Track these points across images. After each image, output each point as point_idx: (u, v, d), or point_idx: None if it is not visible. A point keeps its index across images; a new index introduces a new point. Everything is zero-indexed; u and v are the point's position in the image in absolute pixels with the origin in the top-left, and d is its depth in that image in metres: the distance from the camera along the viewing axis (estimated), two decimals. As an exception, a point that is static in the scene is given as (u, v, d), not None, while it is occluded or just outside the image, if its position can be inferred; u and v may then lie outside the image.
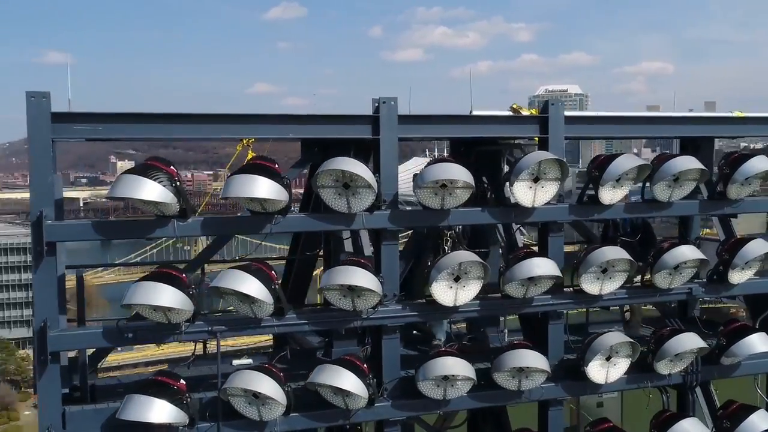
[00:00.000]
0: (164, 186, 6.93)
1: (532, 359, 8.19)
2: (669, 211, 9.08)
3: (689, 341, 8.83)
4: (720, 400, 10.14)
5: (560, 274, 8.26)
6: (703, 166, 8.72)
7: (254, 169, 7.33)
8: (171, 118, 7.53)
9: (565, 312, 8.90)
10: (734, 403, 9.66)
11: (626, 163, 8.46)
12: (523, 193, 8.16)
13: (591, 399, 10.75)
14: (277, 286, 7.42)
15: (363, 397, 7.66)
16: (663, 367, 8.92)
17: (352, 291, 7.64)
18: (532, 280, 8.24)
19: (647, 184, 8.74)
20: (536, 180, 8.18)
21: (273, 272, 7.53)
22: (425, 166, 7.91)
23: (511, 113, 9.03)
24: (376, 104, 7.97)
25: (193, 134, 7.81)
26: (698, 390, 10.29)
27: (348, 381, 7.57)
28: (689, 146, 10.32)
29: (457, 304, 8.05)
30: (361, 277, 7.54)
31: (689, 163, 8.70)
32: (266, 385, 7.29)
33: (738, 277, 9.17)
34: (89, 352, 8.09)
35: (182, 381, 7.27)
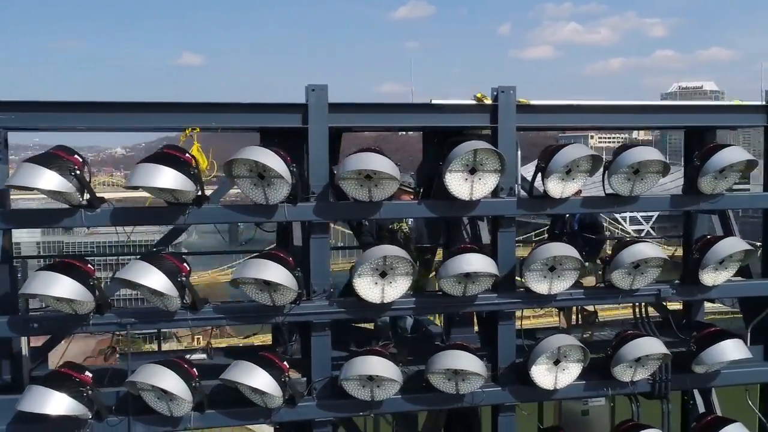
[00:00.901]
0: (64, 175, 6.82)
1: (465, 361, 7.70)
2: (634, 206, 8.39)
3: (648, 346, 8.13)
4: (730, 411, 9.39)
5: (496, 272, 7.73)
6: (663, 158, 8.00)
7: (162, 158, 7.15)
8: (89, 107, 7.45)
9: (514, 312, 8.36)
10: (710, 415, 8.90)
11: (574, 152, 7.85)
12: (458, 185, 7.68)
13: (576, 406, 10.08)
14: (184, 279, 7.22)
15: (277, 396, 7.38)
16: (622, 373, 8.25)
17: (269, 285, 7.37)
18: (470, 277, 7.75)
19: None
20: (473, 171, 7.68)
21: (184, 264, 7.34)
22: (347, 157, 7.56)
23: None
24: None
25: (117, 124, 7.68)
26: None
27: (260, 379, 7.30)
28: (694, 138, 9.58)
29: (385, 301, 7.65)
30: (272, 272, 7.25)
31: (648, 153, 7.99)
32: (169, 381, 7.10)
33: (711, 278, 8.38)
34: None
35: (87, 373, 7.17)
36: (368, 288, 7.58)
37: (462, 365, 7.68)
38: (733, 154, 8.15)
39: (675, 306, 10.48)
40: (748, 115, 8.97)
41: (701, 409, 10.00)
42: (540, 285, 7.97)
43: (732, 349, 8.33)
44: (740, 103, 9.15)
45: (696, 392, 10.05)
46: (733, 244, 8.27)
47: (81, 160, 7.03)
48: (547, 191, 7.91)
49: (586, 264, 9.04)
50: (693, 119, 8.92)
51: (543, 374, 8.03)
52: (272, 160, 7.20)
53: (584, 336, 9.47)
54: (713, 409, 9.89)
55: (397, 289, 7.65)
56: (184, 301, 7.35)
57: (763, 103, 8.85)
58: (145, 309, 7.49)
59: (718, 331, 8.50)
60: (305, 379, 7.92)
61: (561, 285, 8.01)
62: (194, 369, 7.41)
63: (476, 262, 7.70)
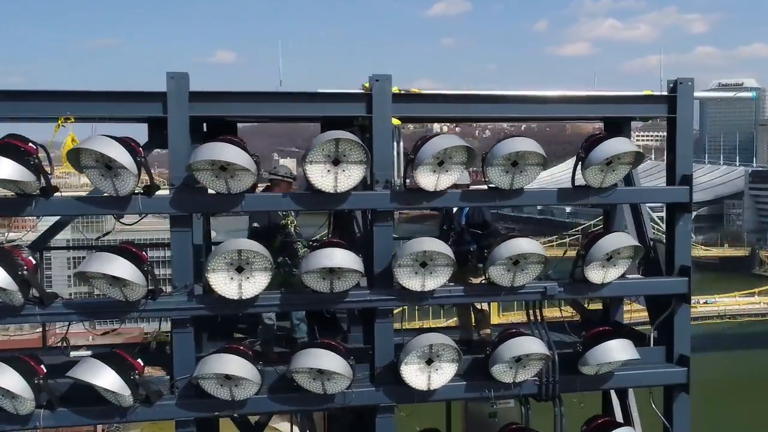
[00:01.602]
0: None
1: (326, 361, 7.38)
2: (518, 200, 8.02)
3: (526, 345, 7.77)
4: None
5: (359, 268, 7.39)
6: (538, 150, 7.61)
7: (2, 148, 6.90)
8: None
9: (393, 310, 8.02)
10: (600, 418, 8.52)
11: (443, 143, 7.49)
12: (320, 176, 7.36)
13: (483, 408, 9.71)
14: (26, 273, 6.97)
15: (125, 395, 7.11)
16: (502, 374, 7.89)
17: (118, 281, 7.10)
18: (334, 272, 7.44)
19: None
20: (336, 162, 7.35)
21: (29, 258, 7.09)
22: (198, 148, 7.26)
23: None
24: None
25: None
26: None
27: (105, 378, 7.04)
28: (612, 129, 9.22)
29: (244, 297, 7.35)
30: (117, 267, 6.98)
31: (524, 144, 7.62)
32: (7, 379, 6.86)
33: (598, 275, 7.99)
34: None
35: (42, 366, 7.11)
36: (224, 283, 7.29)
37: (323, 365, 7.36)
38: (617, 145, 7.77)
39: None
40: (649, 105, 8.57)
41: (618, 411, 9.66)
42: (411, 281, 7.62)
43: (617, 350, 7.94)
44: (650, 93, 8.73)
45: (613, 394, 9.69)
46: (617, 240, 7.88)
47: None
48: (418, 184, 7.56)
49: (479, 265, 8.73)
50: (589, 110, 8.54)
51: (414, 374, 7.70)
52: (116, 151, 6.93)
53: (482, 335, 9.15)
54: (629, 410, 9.53)
55: (255, 284, 7.35)
56: (30, 297, 7.11)
57: (665, 93, 8.46)
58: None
59: (605, 331, 8.11)
60: (169, 377, 7.66)
61: (434, 282, 7.66)
62: (42, 366, 7.17)
63: (338, 257, 7.37)
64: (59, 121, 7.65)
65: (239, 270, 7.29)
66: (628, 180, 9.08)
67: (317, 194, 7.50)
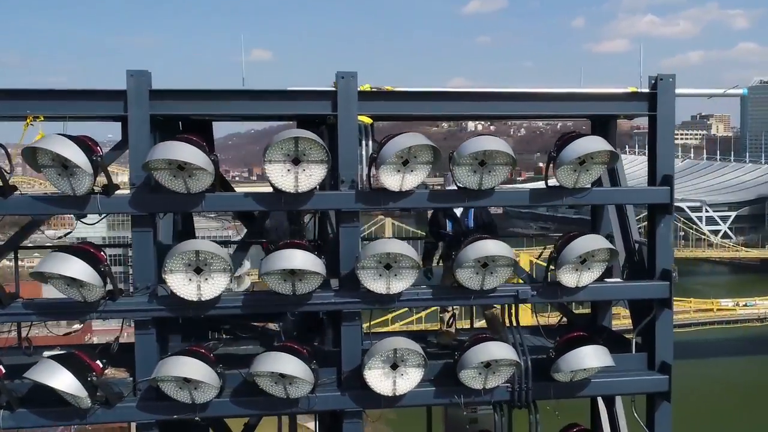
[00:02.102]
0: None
1: (286, 364, 7.23)
2: (488, 200, 7.77)
3: (493, 351, 7.53)
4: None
5: (320, 270, 7.23)
6: (506, 149, 7.36)
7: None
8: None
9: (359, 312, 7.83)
10: (576, 427, 8.25)
11: (406, 141, 7.29)
12: (280, 176, 7.21)
13: (464, 413, 9.46)
14: None
15: (82, 397, 7.05)
16: (471, 380, 7.66)
17: (75, 281, 7.04)
18: (296, 274, 7.29)
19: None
20: (296, 162, 7.20)
21: None
22: (154, 147, 7.16)
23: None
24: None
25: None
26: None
27: (61, 380, 6.98)
28: (598, 126, 8.98)
29: (203, 299, 7.24)
30: (72, 267, 6.92)
31: (491, 143, 7.38)
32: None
33: (571, 278, 7.71)
34: None
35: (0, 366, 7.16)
36: (182, 285, 7.18)
37: (282, 368, 7.22)
38: (588, 144, 7.49)
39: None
40: (631, 102, 8.25)
41: (604, 420, 9.38)
42: (376, 283, 7.44)
43: (590, 356, 7.66)
44: (635, 90, 8.42)
45: (600, 401, 9.40)
46: (590, 243, 7.59)
47: None
48: (382, 184, 7.38)
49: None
50: (573, 108, 8.26)
51: (379, 378, 7.51)
52: (70, 150, 6.86)
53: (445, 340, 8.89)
54: (615, 419, 9.24)
55: (214, 286, 7.23)
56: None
57: (646, 90, 8.15)
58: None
59: (578, 337, 7.83)
60: (131, 379, 7.58)
61: (399, 284, 7.47)
62: (0, 367, 7.15)
63: (298, 259, 7.22)
64: (27, 120, 7.62)
65: (198, 271, 7.18)
66: (614, 180, 8.81)
67: (280, 194, 7.36)
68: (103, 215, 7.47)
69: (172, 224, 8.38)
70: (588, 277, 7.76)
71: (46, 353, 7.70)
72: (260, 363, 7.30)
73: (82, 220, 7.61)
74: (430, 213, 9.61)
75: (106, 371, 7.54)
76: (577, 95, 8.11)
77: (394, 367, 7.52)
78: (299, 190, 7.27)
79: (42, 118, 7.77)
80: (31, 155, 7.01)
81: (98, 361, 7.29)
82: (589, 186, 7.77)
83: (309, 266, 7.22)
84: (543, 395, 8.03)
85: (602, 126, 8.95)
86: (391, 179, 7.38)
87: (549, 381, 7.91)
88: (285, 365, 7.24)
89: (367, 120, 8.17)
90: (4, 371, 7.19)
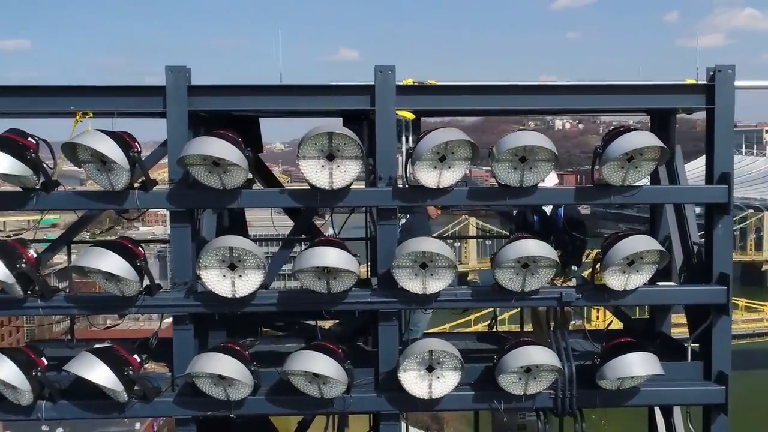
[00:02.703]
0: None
1: (317, 364, 7.11)
2: (529, 198, 7.46)
3: (534, 355, 7.23)
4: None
5: (354, 269, 7.09)
6: (547, 145, 7.03)
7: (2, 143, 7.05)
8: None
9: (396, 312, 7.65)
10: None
11: (442, 137, 7.07)
12: (314, 172, 7.11)
13: (512, 420, 9.16)
14: (24, 266, 7.06)
15: (118, 391, 7.11)
16: (510, 385, 7.38)
17: (113, 276, 7.11)
18: (330, 272, 7.18)
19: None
20: (331, 158, 7.09)
21: (29, 252, 7.21)
22: (189, 142, 7.16)
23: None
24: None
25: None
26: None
27: (99, 373, 7.06)
28: (657, 121, 8.61)
29: (237, 295, 7.20)
30: (104, 262, 6.98)
31: (531, 139, 7.09)
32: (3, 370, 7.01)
33: (618, 281, 7.33)
34: None
35: (43, 358, 7.30)
36: (216, 281, 7.17)
37: (314, 368, 7.11)
38: (636, 139, 7.10)
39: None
40: (686, 96, 7.82)
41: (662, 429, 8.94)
42: (411, 283, 7.25)
43: (636, 364, 7.26)
44: (693, 82, 7.98)
45: (658, 411, 8.98)
46: (635, 244, 7.20)
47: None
48: (418, 180, 7.19)
49: (573, 267, 8.24)
50: (625, 102, 7.88)
51: (414, 381, 7.32)
52: (106, 146, 6.93)
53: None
54: (673, 429, 8.79)
55: (249, 283, 7.19)
56: (32, 290, 7.23)
57: (704, 81, 7.71)
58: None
59: (625, 343, 7.44)
60: (170, 374, 7.63)
61: (436, 284, 7.26)
62: (42, 359, 7.29)
63: (331, 257, 7.10)
64: (77, 117, 7.75)
65: (232, 267, 7.16)
66: (672, 178, 8.38)
67: (316, 191, 7.26)
68: (144, 211, 7.54)
69: (217, 220, 8.39)
70: (637, 279, 7.37)
71: (97, 345, 7.83)
72: (292, 362, 7.21)
73: (123, 215, 7.70)
74: (515, 211, 9.37)
75: (145, 366, 7.61)
76: (628, 88, 7.73)
77: (430, 369, 7.31)
78: (334, 187, 7.16)
79: (91, 115, 7.90)
80: (71, 151, 7.13)
81: (136, 356, 7.33)
82: (639, 184, 7.38)
83: (342, 264, 7.09)
84: (588, 403, 7.68)
85: (661, 121, 8.54)
86: (428, 175, 7.18)
87: (595, 389, 7.54)
88: (317, 364, 7.13)
89: (410, 116, 8.00)
90: (46, 363, 7.31)
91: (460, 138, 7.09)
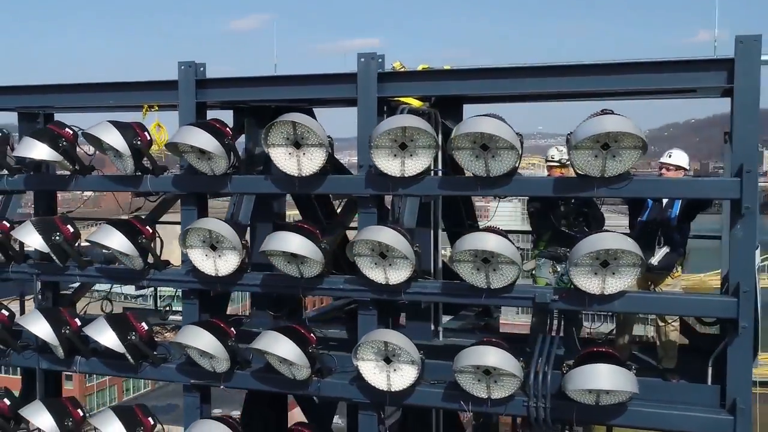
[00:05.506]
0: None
1: (279, 346, 7.30)
2: (505, 189, 6.93)
3: (484, 356, 6.70)
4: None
5: (314, 256, 7.15)
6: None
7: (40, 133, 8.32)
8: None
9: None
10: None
11: (396, 123, 6.86)
12: (283, 160, 7.32)
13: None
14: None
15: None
16: (470, 386, 6.91)
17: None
18: (297, 258, 7.35)
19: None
20: (297, 145, 7.25)
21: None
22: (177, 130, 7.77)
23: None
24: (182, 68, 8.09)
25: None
26: None
27: (108, 338, 7.96)
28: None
29: (220, 274, 7.68)
30: (106, 238, 7.87)
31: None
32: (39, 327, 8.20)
33: (589, 283, 6.51)
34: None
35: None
36: (201, 260, 7.72)
37: (276, 350, 7.29)
38: (603, 124, 6.26)
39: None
40: (704, 73, 6.68)
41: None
42: (372, 272, 7.16)
43: (602, 376, 6.39)
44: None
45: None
46: (596, 242, 6.34)
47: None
48: (379, 168, 7.06)
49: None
50: (617, 82, 6.97)
51: (372, 371, 7.20)
52: (112, 136, 7.82)
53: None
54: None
55: (227, 263, 7.64)
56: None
57: (724, 56, 6.55)
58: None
59: (602, 353, 6.58)
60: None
61: (396, 275, 7.08)
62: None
63: (294, 243, 7.26)
64: (144, 109, 8.78)
65: (213, 248, 7.65)
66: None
67: (290, 178, 7.43)
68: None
69: (253, 204, 8.82)
70: (616, 283, 6.50)
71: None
72: (256, 340, 7.45)
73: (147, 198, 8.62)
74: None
75: (165, 334, 8.45)
76: (623, 66, 6.79)
77: (388, 361, 7.15)
78: (302, 174, 7.30)
79: (157, 108, 8.89)
80: (95, 141, 8.15)
81: (143, 324, 8.14)
82: (628, 175, 6.48)
83: (303, 251, 7.22)
84: (564, 415, 6.92)
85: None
86: (387, 163, 7.03)
87: (572, 401, 6.79)
88: (279, 347, 7.32)
89: (417, 103, 7.82)
90: (79, 324, 8.41)
91: (415, 125, 6.83)
